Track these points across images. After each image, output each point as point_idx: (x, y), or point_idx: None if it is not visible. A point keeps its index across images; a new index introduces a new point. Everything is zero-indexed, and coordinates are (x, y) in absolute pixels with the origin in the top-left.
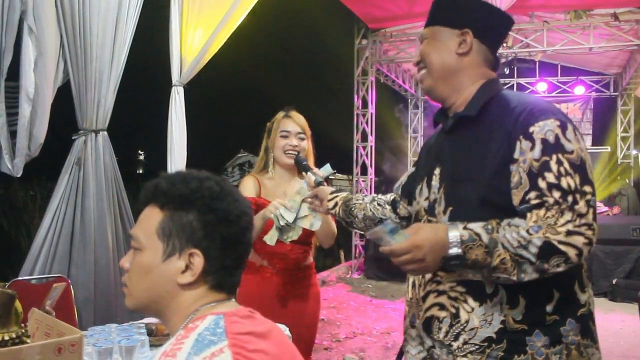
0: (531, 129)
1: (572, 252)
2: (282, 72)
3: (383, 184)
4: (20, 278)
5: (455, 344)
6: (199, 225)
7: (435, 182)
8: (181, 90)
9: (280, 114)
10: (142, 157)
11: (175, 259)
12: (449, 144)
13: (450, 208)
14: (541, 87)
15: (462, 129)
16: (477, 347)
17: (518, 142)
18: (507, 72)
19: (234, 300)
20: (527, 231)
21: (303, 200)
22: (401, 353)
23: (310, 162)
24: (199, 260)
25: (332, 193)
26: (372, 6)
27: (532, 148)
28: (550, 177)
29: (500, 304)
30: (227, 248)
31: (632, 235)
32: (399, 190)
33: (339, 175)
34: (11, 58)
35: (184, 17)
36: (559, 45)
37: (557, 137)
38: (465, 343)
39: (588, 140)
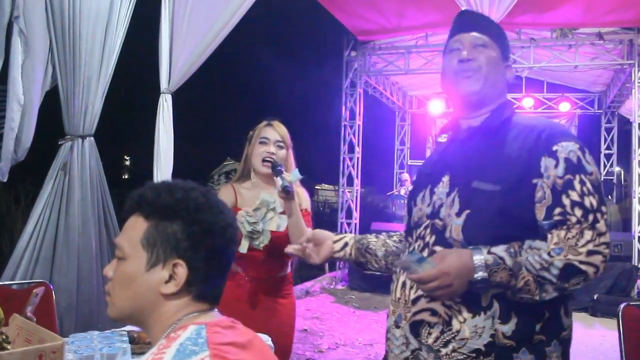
0: (554, 148)
1: (591, 271)
2: (271, 82)
3: (369, 196)
4: (1, 283)
5: (444, 350)
6: (183, 236)
7: (442, 188)
8: (169, 97)
9: (263, 123)
10: (128, 163)
11: (159, 269)
12: (462, 152)
13: (468, 211)
14: (527, 102)
15: (479, 139)
16: (465, 356)
17: (543, 159)
18: None
19: (216, 310)
20: (549, 254)
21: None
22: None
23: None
24: (182, 271)
25: (336, 234)
26: (362, 19)
27: (556, 166)
28: (574, 196)
29: (493, 317)
30: (211, 259)
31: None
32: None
33: (325, 185)
34: (2, 62)
35: (174, 25)
36: (545, 62)
37: (579, 159)
38: (454, 351)
39: None
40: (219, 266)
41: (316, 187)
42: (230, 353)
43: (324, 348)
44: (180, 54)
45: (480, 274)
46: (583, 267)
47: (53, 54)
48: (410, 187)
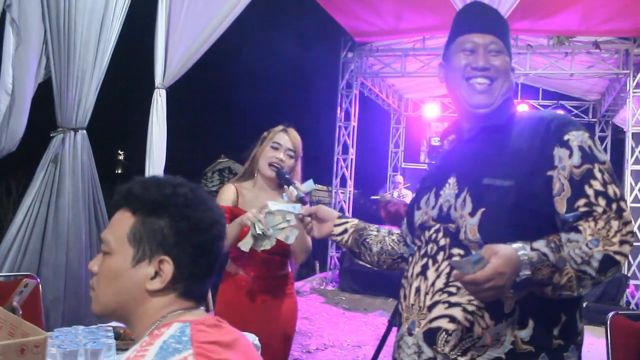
0: (566, 137)
1: (623, 260)
2: (266, 81)
3: (362, 197)
4: None
5: (461, 359)
6: (170, 232)
7: (449, 190)
8: (163, 92)
9: (279, 127)
10: (122, 158)
11: (144, 264)
12: (468, 152)
13: (482, 210)
14: (522, 109)
15: (483, 138)
16: None
17: (555, 149)
18: None
19: (202, 308)
20: (587, 245)
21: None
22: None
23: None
24: (168, 267)
25: (340, 218)
26: (359, 20)
27: (570, 155)
28: (597, 185)
29: (513, 324)
30: (197, 256)
31: None
32: (406, 227)
33: (319, 185)
34: None
35: (171, 20)
36: (541, 69)
37: (591, 148)
38: (472, 359)
39: None
40: (206, 264)
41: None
42: (214, 352)
43: (312, 349)
44: (176, 49)
45: (524, 272)
46: (617, 257)
47: (47, 45)
48: (412, 195)
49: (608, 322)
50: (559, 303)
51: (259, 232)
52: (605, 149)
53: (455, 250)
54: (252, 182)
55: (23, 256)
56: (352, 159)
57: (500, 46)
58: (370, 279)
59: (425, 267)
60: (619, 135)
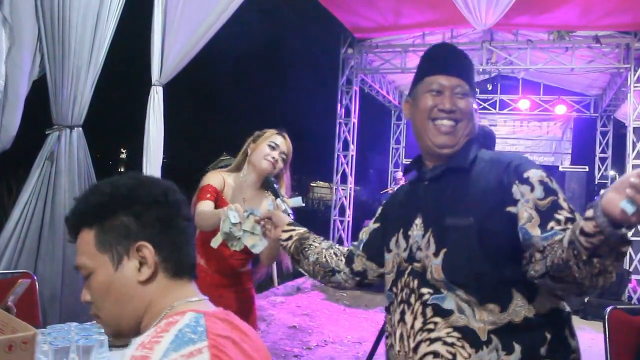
0: (525, 175)
1: None
2: (266, 78)
3: (363, 194)
4: None
5: None
6: (130, 220)
7: (416, 231)
8: (160, 90)
9: (274, 130)
10: (124, 156)
11: (125, 262)
12: (432, 192)
13: (444, 250)
14: (523, 104)
15: (447, 178)
16: None
17: (515, 186)
18: (490, 89)
19: (208, 299)
20: None
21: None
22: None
23: (282, 187)
24: (147, 251)
25: (289, 224)
26: (359, 16)
27: (532, 190)
28: (565, 213)
29: (496, 350)
30: (167, 228)
31: None
32: (360, 247)
33: (320, 182)
34: None
35: (167, 16)
36: (541, 64)
37: (550, 182)
38: None
39: (567, 160)
40: (180, 233)
41: (311, 184)
42: (227, 348)
43: (313, 345)
44: (173, 46)
45: None
46: None
47: (42, 43)
48: (374, 226)
49: (606, 316)
50: (540, 323)
51: (226, 230)
52: (606, 144)
53: (425, 290)
54: (238, 176)
55: (20, 253)
56: (352, 156)
57: (465, 89)
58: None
59: (402, 313)
60: (620, 130)
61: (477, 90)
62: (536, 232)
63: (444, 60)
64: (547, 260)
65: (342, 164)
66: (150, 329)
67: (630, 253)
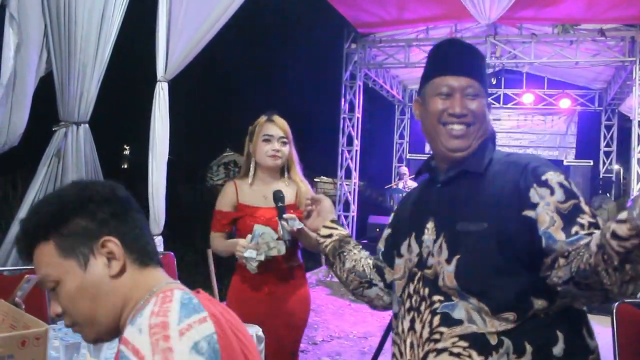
0: (544, 177)
1: None
2: (270, 73)
3: (367, 189)
4: None
5: None
6: (86, 221)
7: (428, 236)
8: (165, 85)
9: (263, 118)
10: (127, 152)
11: (93, 261)
12: (444, 195)
13: (457, 256)
14: (527, 98)
15: (460, 181)
16: None
17: (533, 190)
18: (495, 83)
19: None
20: None
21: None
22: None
23: (293, 168)
24: (113, 244)
25: (332, 221)
26: (362, 11)
27: (552, 193)
28: (587, 217)
29: (507, 354)
30: (124, 222)
31: None
32: (380, 258)
33: (324, 178)
34: None
35: (172, 12)
36: (545, 58)
37: (570, 185)
38: None
39: (571, 154)
40: (135, 225)
41: (315, 179)
42: (221, 320)
43: (318, 340)
44: (178, 41)
45: None
46: None
47: (48, 39)
48: (388, 231)
49: (614, 310)
50: (551, 322)
51: (254, 265)
52: (611, 138)
53: (436, 297)
54: (251, 179)
55: None
56: (356, 151)
57: (476, 89)
58: None
59: (412, 321)
60: (625, 123)
61: (492, 82)
62: (561, 236)
63: (452, 59)
64: (572, 265)
65: (346, 159)
66: (148, 306)
67: None
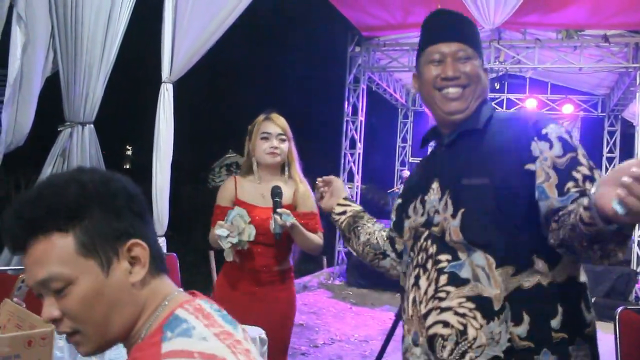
0: (544, 131)
1: None
2: (273, 75)
3: (370, 192)
4: None
5: None
6: (113, 218)
7: (433, 196)
8: (170, 87)
9: (261, 117)
10: (129, 153)
11: (116, 264)
12: (448, 156)
13: (462, 210)
14: (530, 103)
15: (463, 141)
16: None
17: (534, 143)
18: (498, 87)
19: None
20: None
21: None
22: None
23: (293, 165)
24: (141, 249)
25: (345, 199)
26: (367, 14)
27: (550, 147)
28: (584, 170)
29: (506, 321)
30: (146, 222)
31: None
32: (392, 228)
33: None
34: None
35: (178, 13)
36: (549, 63)
37: (570, 138)
38: None
39: None
40: (152, 226)
41: (317, 180)
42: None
43: (319, 343)
44: (183, 43)
45: None
46: None
47: (54, 39)
48: (398, 202)
49: (617, 317)
50: (552, 294)
51: (227, 245)
52: (614, 144)
53: (443, 257)
54: (252, 177)
55: None
56: (359, 154)
57: (468, 52)
58: (378, 273)
59: (417, 278)
60: (628, 129)
61: (495, 87)
62: (553, 192)
63: (440, 27)
64: (560, 232)
65: (349, 162)
66: (187, 321)
67: (637, 252)
